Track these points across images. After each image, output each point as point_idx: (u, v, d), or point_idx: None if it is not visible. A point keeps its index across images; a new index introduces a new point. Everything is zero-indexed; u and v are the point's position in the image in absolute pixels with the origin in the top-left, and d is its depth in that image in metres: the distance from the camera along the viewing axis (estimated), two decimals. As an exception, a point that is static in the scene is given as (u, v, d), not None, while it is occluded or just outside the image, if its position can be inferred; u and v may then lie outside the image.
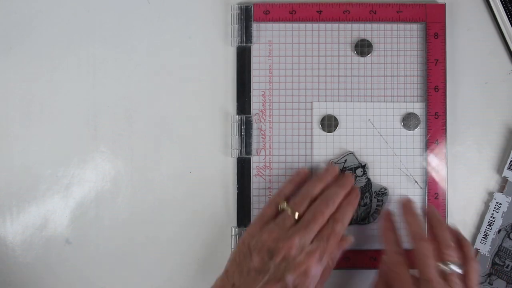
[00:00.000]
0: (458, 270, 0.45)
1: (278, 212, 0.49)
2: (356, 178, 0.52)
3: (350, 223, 0.52)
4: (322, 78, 0.53)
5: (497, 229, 0.52)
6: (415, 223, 0.48)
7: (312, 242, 0.46)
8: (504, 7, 0.53)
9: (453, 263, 0.45)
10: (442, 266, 0.45)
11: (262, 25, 0.53)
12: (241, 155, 0.52)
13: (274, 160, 0.53)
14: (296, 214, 0.47)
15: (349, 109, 0.53)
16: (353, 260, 0.52)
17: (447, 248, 0.45)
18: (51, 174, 0.53)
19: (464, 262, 0.46)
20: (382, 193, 0.52)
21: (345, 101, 0.53)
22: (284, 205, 0.48)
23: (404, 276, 0.45)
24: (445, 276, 0.44)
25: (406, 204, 0.50)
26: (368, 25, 0.53)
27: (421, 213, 0.51)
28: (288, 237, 0.45)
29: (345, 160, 0.52)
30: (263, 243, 0.46)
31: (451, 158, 0.53)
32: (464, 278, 0.45)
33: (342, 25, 0.53)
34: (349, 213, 0.48)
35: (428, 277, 0.44)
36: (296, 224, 0.47)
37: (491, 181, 0.53)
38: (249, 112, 0.53)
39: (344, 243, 0.48)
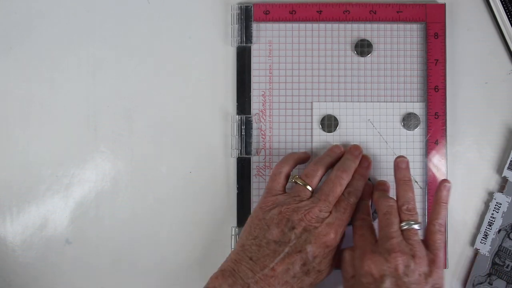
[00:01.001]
0: (416, 227, 0.46)
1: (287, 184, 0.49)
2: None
3: (350, 224, 0.52)
4: (322, 78, 0.53)
5: (497, 229, 0.52)
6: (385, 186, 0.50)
7: (330, 213, 0.46)
8: (504, 7, 0.53)
9: (413, 221, 0.46)
10: (402, 224, 0.46)
11: (262, 25, 0.53)
12: (241, 155, 0.52)
13: (274, 160, 0.53)
14: (309, 188, 0.47)
15: (349, 109, 0.53)
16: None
17: (409, 210, 0.46)
18: (51, 174, 0.53)
19: (426, 230, 0.47)
20: (382, 193, 0.52)
21: (345, 101, 0.53)
22: (297, 178, 0.48)
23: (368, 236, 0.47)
24: (405, 234, 0.45)
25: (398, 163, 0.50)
26: (368, 25, 0.53)
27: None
28: (308, 208, 0.46)
29: (345, 160, 0.52)
30: (282, 215, 0.45)
31: (451, 158, 0.53)
32: (426, 239, 0.47)
33: (342, 25, 0.53)
34: (361, 185, 0.49)
35: (388, 235, 0.45)
36: (315, 195, 0.47)
37: (491, 181, 0.53)
38: (249, 112, 0.53)
39: None
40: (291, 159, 0.50)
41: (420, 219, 0.49)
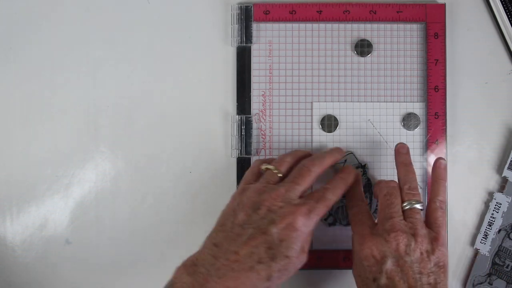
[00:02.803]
0: (418, 206, 0.45)
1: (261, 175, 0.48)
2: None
3: (347, 224, 0.52)
4: (322, 78, 0.53)
5: (497, 229, 0.52)
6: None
7: (300, 198, 0.44)
8: (504, 7, 0.53)
9: (415, 201, 0.45)
10: (404, 204, 0.45)
11: (262, 25, 0.53)
12: (241, 155, 0.52)
13: (274, 160, 0.53)
14: (279, 174, 0.46)
15: (349, 109, 0.53)
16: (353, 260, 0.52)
17: (411, 189, 0.46)
18: (51, 174, 0.53)
19: (427, 209, 0.47)
20: (382, 193, 0.52)
21: (345, 101, 0.53)
22: (267, 165, 0.47)
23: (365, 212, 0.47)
24: (407, 213, 0.45)
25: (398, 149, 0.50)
26: (368, 25, 0.53)
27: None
28: (274, 188, 0.44)
29: (345, 160, 0.52)
30: (248, 199, 0.44)
31: (451, 158, 0.53)
32: (426, 218, 0.46)
33: (342, 25, 0.53)
34: (340, 186, 0.46)
35: (388, 215, 0.44)
36: (283, 180, 0.46)
37: (491, 181, 0.53)
38: (249, 112, 0.53)
39: None
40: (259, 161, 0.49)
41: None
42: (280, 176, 0.46)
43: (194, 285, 0.41)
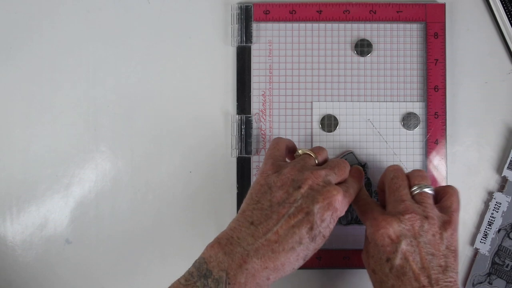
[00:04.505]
0: (429, 191, 0.45)
1: (291, 157, 0.48)
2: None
3: (350, 223, 0.52)
4: (322, 78, 0.53)
5: (497, 229, 0.52)
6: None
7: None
8: (504, 7, 0.53)
9: (425, 185, 0.45)
10: (414, 188, 0.45)
11: (262, 25, 0.53)
12: (241, 154, 0.52)
13: (274, 160, 0.53)
14: (316, 160, 0.46)
15: (349, 108, 0.53)
16: (353, 259, 0.52)
17: (421, 176, 0.46)
18: (51, 174, 0.53)
19: (442, 193, 0.46)
20: (382, 192, 0.52)
21: (345, 101, 0.53)
22: (306, 150, 0.46)
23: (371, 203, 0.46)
24: (417, 198, 0.45)
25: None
26: (368, 25, 0.53)
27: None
28: (315, 169, 0.43)
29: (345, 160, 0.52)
30: (286, 176, 0.43)
31: (451, 158, 0.53)
32: (442, 202, 0.45)
33: (342, 25, 0.53)
34: (356, 186, 0.46)
35: (399, 198, 0.44)
36: (321, 166, 0.45)
37: (491, 180, 0.53)
38: (249, 112, 0.53)
39: None
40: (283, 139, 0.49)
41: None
42: (316, 163, 0.46)
43: (231, 265, 0.40)
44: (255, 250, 0.40)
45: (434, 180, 0.52)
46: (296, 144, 0.53)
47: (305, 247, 0.41)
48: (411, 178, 0.46)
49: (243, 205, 0.44)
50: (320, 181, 0.43)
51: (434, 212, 0.44)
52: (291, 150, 0.48)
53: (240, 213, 0.43)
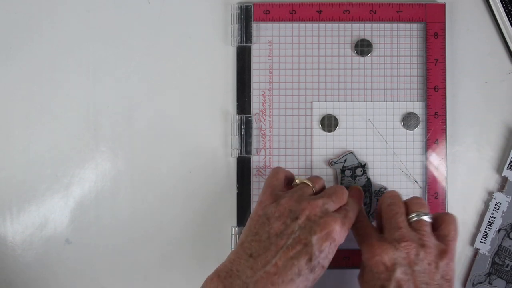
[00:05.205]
0: (427, 219, 0.45)
1: (289, 187, 0.48)
2: (355, 178, 0.52)
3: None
4: (322, 78, 0.53)
5: (497, 229, 0.52)
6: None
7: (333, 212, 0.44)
8: (504, 7, 0.53)
9: (423, 213, 0.45)
10: (411, 216, 0.45)
11: (262, 25, 0.53)
12: (241, 154, 0.52)
13: (274, 160, 0.53)
14: (314, 188, 0.46)
15: (349, 108, 0.53)
16: (353, 259, 0.52)
17: (419, 204, 0.45)
18: (51, 173, 0.53)
19: (439, 221, 0.46)
20: (382, 192, 0.53)
21: (345, 101, 0.53)
22: (303, 179, 0.46)
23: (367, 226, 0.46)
24: (414, 225, 0.44)
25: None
26: (368, 25, 0.53)
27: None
28: (313, 199, 0.43)
29: (345, 160, 0.53)
30: (283, 207, 0.43)
31: (451, 158, 0.53)
32: (439, 231, 0.45)
33: (342, 25, 0.53)
34: (356, 208, 0.47)
35: (395, 225, 0.44)
36: (318, 195, 0.45)
37: (491, 180, 0.53)
38: (249, 112, 0.53)
39: None
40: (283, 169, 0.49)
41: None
42: (314, 192, 0.46)
43: None
44: (255, 282, 0.40)
45: (434, 180, 0.52)
46: (296, 144, 0.53)
47: (304, 278, 0.41)
48: (409, 206, 0.46)
49: (241, 236, 0.44)
50: (318, 211, 0.43)
51: (431, 240, 0.43)
52: (290, 180, 0.48)
53: (239, 245, 0.43)
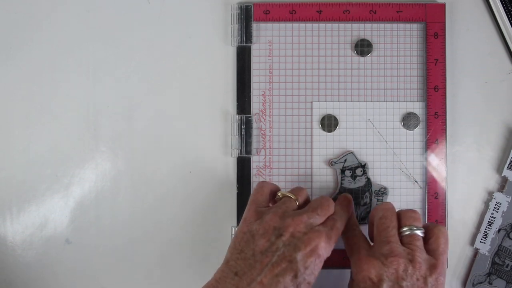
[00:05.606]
0: (419, 233, 0.44)
1: (274, 201, 0.47)
2: (355, 178, 0.52)
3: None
4: (322, 78, 0.53)
5: (497, 229, 0.52)
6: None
7: (318, 226, 0.44)
8: (504, 7, 0.53)
9: (415, 227, 0.44)
10: (403, 229, 0.44)
11: (262, 25, 0.53)
12: (241, 154, 0.52)
13: (274, 159, 0.53)
14: (297, 202, 0.45)
15: (349, 108, 0.53)
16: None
17: (413, 218, 0.45)
18: (51, 173, 0.53)
19: (429, 234, 0.45)
20: (382, 192, 0.53)
21: (345, 101, 0.53)
22: (286, 192, 0.46)
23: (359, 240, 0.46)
24: (405, 239, 0.44)
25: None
26: (368, 25, 0.53)
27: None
28: (296, 214, 0.43)
29: (345, 160, 0.53)
30: (268, 224, 0.43)
31: (451, 158, 0.53)
32: (429, 245, 0.44)
33: (342, 25, 0.53)
34: (345, 215, 0.47)
35: (385, 239, 0.44)
36: (302, 209, 0.45)
37: (491, 180, 0.53)
38: (249, 112, 0.53)
39: None
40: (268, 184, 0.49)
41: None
42: (297, 205, 0.46)
43: None
44: None
45: (434, 180, 0.52)
46: (296, 144, 0.53)
47: None
48: (402, 218, 0.45)
49: (227, 255, 0.44)
50: (302, 227, 0.43)
51: (421, 255, 0.43)
52: (275, 194, 0.48)
53: (224, 263, 0.43)
